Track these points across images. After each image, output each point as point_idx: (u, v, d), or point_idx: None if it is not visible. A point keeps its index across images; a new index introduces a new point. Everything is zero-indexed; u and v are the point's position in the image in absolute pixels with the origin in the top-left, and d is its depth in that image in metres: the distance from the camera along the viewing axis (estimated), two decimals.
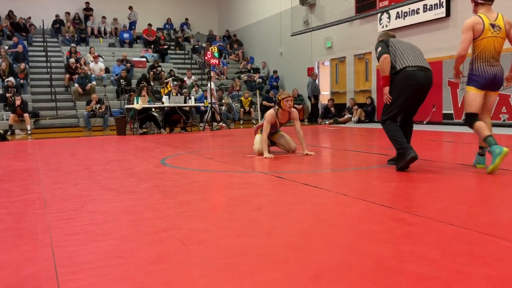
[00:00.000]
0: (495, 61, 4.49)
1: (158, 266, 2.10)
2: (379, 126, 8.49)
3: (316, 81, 16.31)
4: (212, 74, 15.55)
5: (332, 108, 15.06)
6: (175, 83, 14.90)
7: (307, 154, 6.14)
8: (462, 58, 4.56)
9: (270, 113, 6.23)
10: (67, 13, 20.37)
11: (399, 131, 4.67)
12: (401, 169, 4.57)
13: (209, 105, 13.52)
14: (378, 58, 4.79)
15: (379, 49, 4.80)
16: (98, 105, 14.34)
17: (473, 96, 4.59)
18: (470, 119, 4.58)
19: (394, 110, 4.71)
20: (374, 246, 2.29)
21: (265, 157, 5.97)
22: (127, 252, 2.33)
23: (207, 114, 13.72)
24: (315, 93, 15.99)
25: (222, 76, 18.61)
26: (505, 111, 10.45)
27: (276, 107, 6.25)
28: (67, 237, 2.63)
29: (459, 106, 11.48)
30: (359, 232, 2.58)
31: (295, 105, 16.93)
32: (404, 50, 4.77)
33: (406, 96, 4.67)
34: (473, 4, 4.61)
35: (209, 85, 14.69)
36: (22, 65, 15.55)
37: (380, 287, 1.80)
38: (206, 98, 14.83)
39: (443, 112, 11.96)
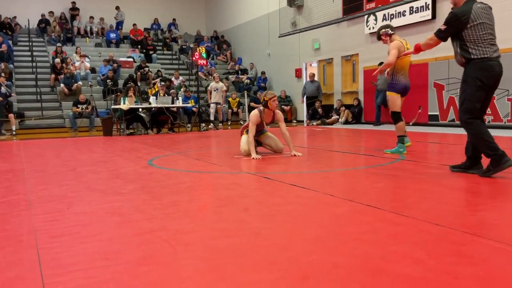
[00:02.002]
0: (407, 74, 6.19)
1: (145, 268, 2.08)
2: (366, 127, 8.55)
3: (313, 82, 15.48)
4: (215, 75, 15.68)
5: (320, 109, 15.11)
6: (162, 83, 14.84)
7: (294, 155, 6.15)
8: (390, 65, 6.07)
9: (254, 113, 6.24)
10: (51, 13, 20.16)
11: (490, 134, 4.16)
12: (487, 175, 4.15)
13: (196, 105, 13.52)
14: (436, 33, 4.33)
15: (444, 28, 4.25)
16: (85, 105, 14.22)
17: (395, 99, 6.13)
18: (396, 117, 6.18)
19: (477, 106, 4.19)
20: (361, 247, 2.30)
21: (253, 158, 5.97)
22: (114, 253, 2.31)
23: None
24: (312, 94, 15.43)
25: (210, 77, 18.56)
26: (489, 112, 10.58)
27: (261, 108, 6.28)
28: (52, 238, 2.60)
29: (445, 107, 11.60)
30: (347, 232, 2.59)
31: (282, 106, 17.09)
32: (484, 33, 4.12)
33: (486, 90, 4.19)
34: (388, 37, 6.25)
35: (211, 84, 14.82)
36: (3, 65, 15.32)
37: (367, 287, 1.81)
38: (189, 98, 14.80)
39: (429, 113, 12.07)
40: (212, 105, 14.92)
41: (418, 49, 4.71)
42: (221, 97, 15.03)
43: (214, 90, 14.84)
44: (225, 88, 15.36)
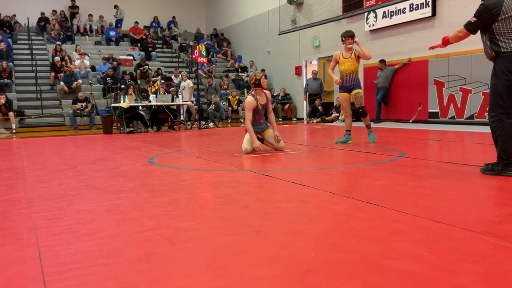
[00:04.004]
0: None
1: (145, 265, 2.09)
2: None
3: (316, 79, 15.54)
4: (182, 73, 15.30)
5: (320, 107, 15.10)
6: (162, 81, 14.82)
7: (277, 136, 6.50)
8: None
9: (250, 100, 6.39)
10: (54, 11, 20.16)
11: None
12: (487, 173, 4.12)
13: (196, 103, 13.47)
14: (466, 25, 4.19)
15: (474, 20, 4.11)
16: (84, 103, 14.21)
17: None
18: (365, 110, 7.43)
19: (509, 101, 4.01)
20: (361, 244, 2.30)
21: (255, 147, 6.24)
22: (114, 251, 2.31)
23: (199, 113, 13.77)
24: (314, 92, 15.44)
25: (210, 74, 18.56)
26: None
27: (252, 91, 6.47)
28: (53, 236, 2.60)
29: (445, 105, 11.59)
30: (347, 229, 2.59)
31: (279, 104, 17.07)
32: None
33: None
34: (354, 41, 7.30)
35: (182, 83, 14.46)
36: (4, 64, 15.33)
37: (367, 284, 1.81)
38: (193, 95, 14.71)
39: (429, 110, 12.07)
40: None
41: (446, 41, 4.49)
42: (189, 95, 14.32)
43: (183, 89, 14.29)
44: (191, 84, 14.64)
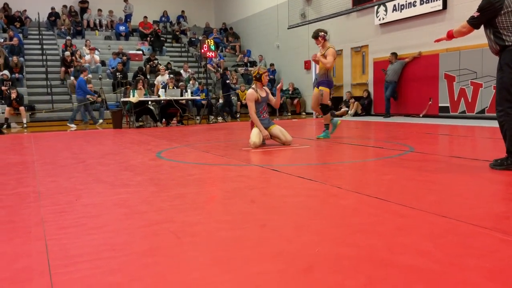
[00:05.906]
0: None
1: (151, 259, 2.10)
2: (375, 119, 8.48)
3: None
4: (161, 67, 15.12)
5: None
6: (171, 76, 14.84)
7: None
8: (330, 68, 7.40)
9: (250, 92, 6.57)
10: (64, 6, 20.26)
11: None
12: (497, 168, 4.09)
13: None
14: (469, 21, 4.20)
15: (477, 15, 4.12)
16: (95, 95, 14.27)
17: (328, 93, 7.46)
18: (329, 108, 7.56)
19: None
20: (367, 238, 2.29)
21: (264, 135, 6.40)
22: (120, 245, 2.33)
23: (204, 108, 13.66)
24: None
25: (219, 69, 18.54)
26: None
27: (253, 84, 6.65)
28: (60, 230, 2.62)
29: (455, 99, 11.49)
30: (353, 224, 2.59)
31: (288, 99, 17.02)
32: None
33: None
34: (323, 40, 7.23)
35: (157, 78, 14.23)
36: (15, 59, 15.45)
37: (373, 279, 1.81)
38: (202, 90, 14.72)
39: (439, 105, 11.97)
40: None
41: (450, 36, 4.51)
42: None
43: (161, 84, 13.91)
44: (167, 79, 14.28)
